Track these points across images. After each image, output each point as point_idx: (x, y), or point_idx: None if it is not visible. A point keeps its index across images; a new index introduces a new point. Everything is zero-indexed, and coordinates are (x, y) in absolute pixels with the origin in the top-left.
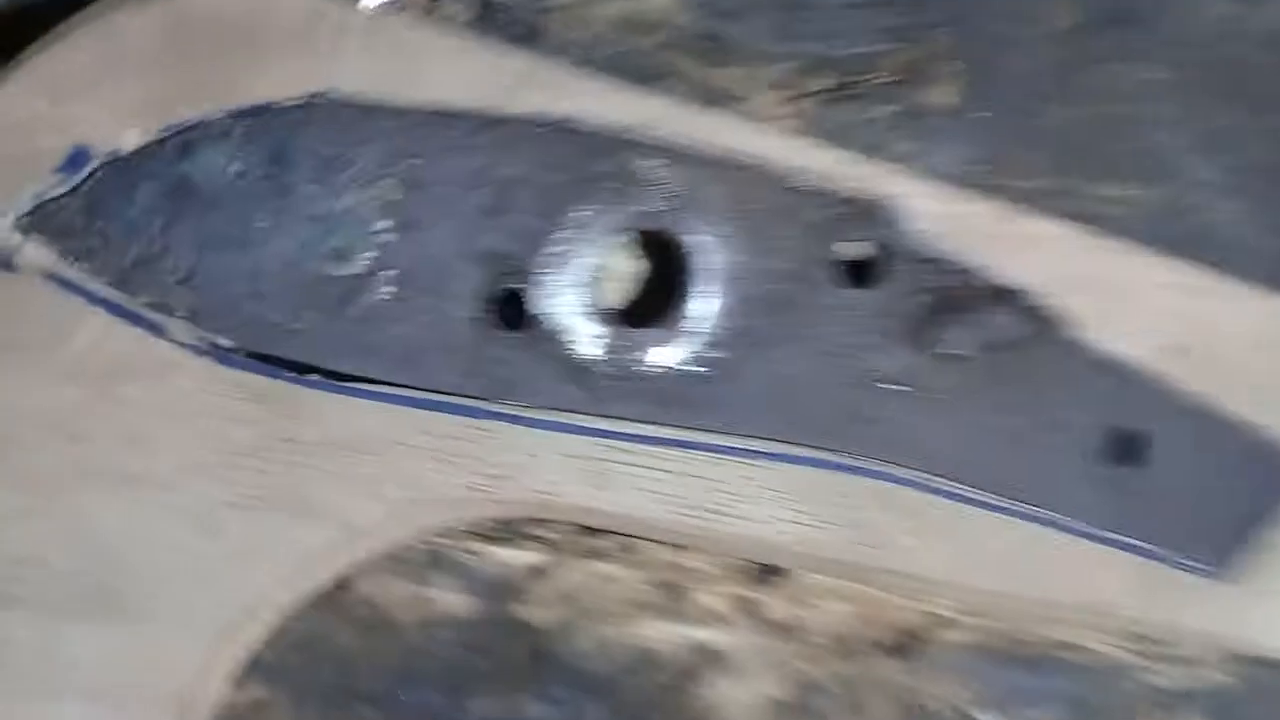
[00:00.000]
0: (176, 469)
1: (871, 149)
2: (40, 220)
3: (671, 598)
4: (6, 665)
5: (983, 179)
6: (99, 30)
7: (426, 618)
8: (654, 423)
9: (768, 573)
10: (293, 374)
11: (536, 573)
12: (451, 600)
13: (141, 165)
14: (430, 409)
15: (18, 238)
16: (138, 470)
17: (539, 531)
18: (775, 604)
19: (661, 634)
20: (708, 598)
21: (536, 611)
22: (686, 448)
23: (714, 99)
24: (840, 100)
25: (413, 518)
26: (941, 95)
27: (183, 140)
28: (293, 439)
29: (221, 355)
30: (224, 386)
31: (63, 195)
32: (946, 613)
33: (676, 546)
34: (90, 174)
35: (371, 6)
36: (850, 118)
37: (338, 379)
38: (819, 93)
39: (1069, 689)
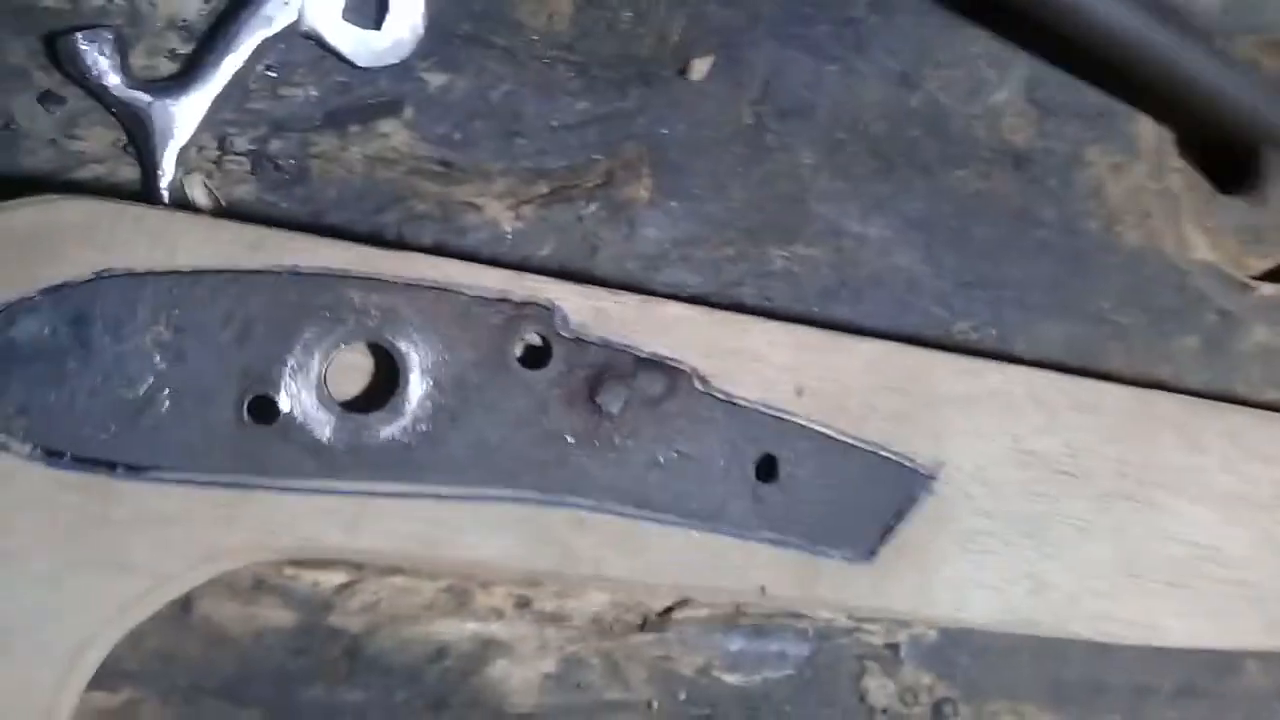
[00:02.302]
0: (25, 546)
1: (586, 238)
2: None
3: (460, 601)
4: None
5: (682, 253)
6: None
7: (257, 630)
8: (385, 481)
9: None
10: (105, 469)
11: (345, 588)
12: (275, 615)
13: None
14: (209, 486)
15: None
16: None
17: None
18: (544, 598)
19: (452, 630)
20: (489, 599)
21: (347, 619)
22: (414, 498)
23: (456, 210)
24: (554, 203)
25: (209, 566)
26: (636, 192)
27: (6, 314)
28: (109, 517)
29: (51, 460)
30: (54, 485)
31: None
32: (689, 594)
33: None
34: None
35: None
36: (565, 216)
37: (138, 470)
38: (536, 198)
39: (796, 650)
